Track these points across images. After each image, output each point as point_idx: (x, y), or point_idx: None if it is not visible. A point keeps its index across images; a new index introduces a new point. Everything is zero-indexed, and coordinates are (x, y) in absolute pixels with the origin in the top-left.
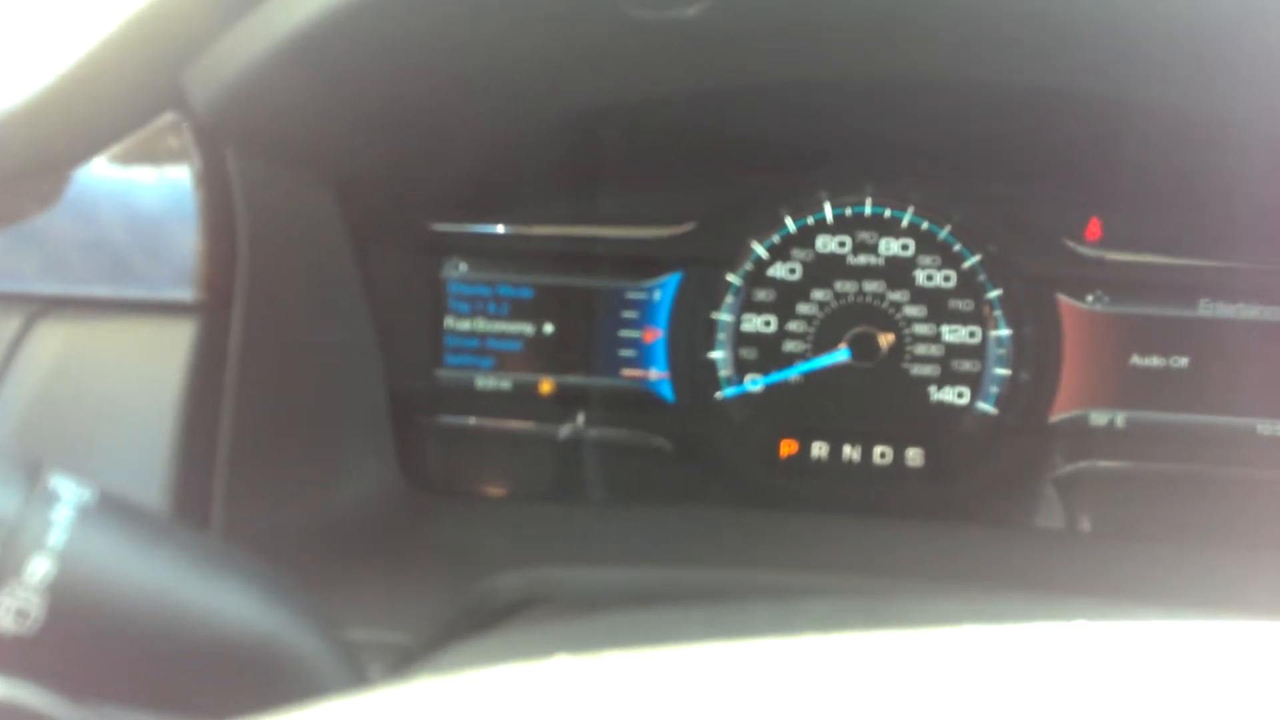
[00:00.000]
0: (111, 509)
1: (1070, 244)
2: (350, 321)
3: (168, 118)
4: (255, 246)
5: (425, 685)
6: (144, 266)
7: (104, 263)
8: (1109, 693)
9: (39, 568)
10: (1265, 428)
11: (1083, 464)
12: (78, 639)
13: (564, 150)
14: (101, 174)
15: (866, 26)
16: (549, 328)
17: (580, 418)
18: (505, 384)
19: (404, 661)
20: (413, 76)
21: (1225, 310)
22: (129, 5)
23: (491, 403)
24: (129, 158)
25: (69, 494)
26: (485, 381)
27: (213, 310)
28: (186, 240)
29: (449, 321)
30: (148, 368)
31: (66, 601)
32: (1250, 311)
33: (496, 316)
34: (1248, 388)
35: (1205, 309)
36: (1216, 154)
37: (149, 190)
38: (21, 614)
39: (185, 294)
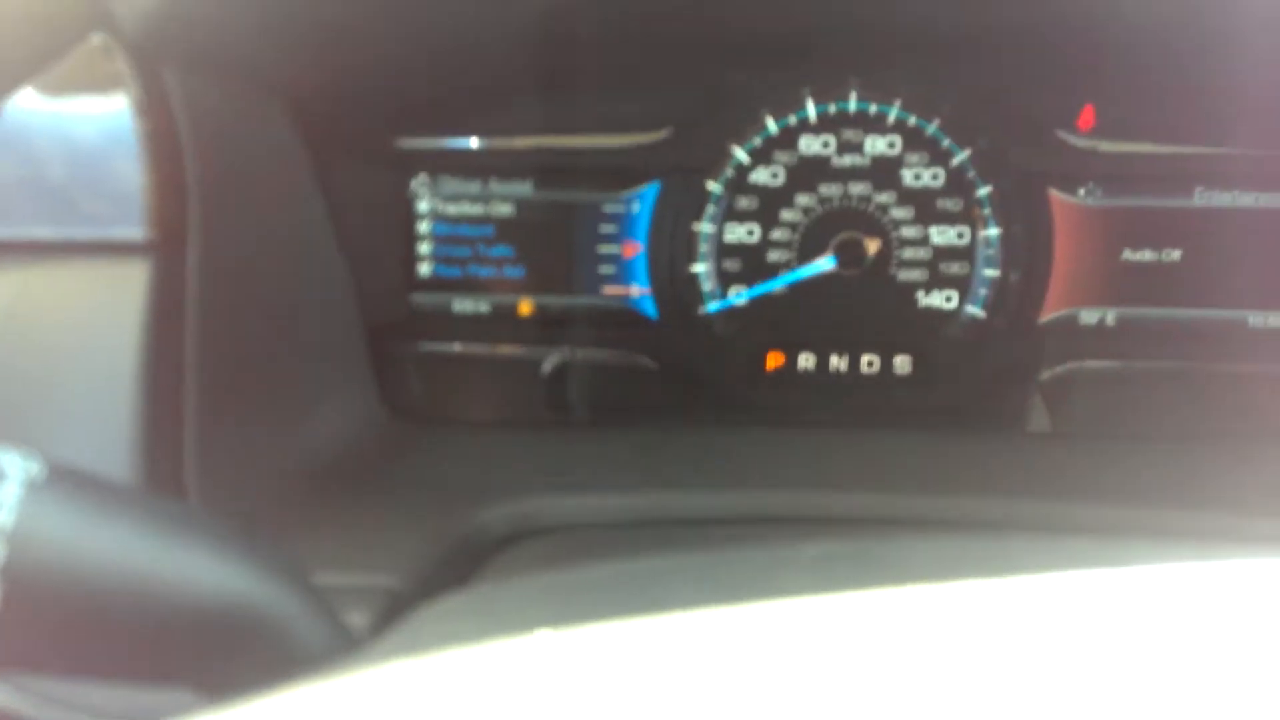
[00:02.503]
0: (63, 482)
1: (1063, 134)
2: (316, 249)
3: (96, 39)
4: (206, 174)
5: (403, 667)
6: (88, 204)
7: (43, 202)
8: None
9: None
10: (1256, 319)
11: (1073, 364)
12: (39, 622)
13: (530, 54)
14: (31, 106)
15: None
16: (525, 246)
17: (564, 350)
18: (483, 307)
19: (390, 606)
20: None
21: (1220, 199)
22: None
23: (471, 327)
24: (59, 87)
25: (14, 469)
26: (463, 305)
27: (166, 247)
28: (131, 173)
29: (421, 244)
30: (101, 315)
31: (21, 585)
32: (1246, 199)
33: (469, 236)
34: (1239, 279)
35: (1200, 198)
36: (1210, 37)
37: (85, 120)
38: None
39: (135, 232)
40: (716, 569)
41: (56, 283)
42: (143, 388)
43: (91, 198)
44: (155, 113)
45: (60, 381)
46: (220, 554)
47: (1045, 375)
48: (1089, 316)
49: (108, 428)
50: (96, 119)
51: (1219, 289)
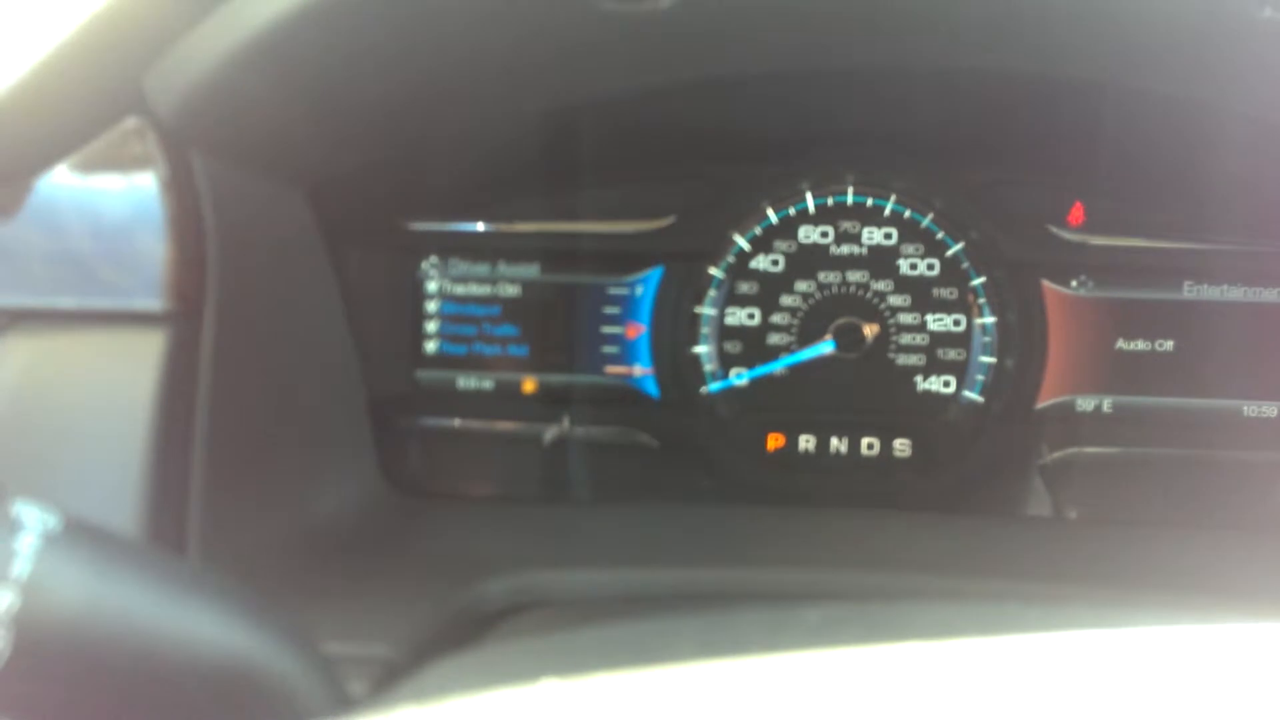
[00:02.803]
0: (78, 535)
1: (1053, 229)
2: (326, 325)
3: (130, 123)
4: (225, 252)
5: (408, 715)
6: (111, 276)
7: (70, 273)
8: (1103, 700)
9: (2, 601)
10: (1251, 409)
11: (1070, 450)
12: (46, 672)
13: (541, 146)
14: (64, 182)
15: (842, 16)
16: (530, 325)
17: (565, 421)
18: (487, 384)
19: (388, 676)
20: (380, 76)
21: (1209, 292)
22: (87, 8)
23: (474, 403)
24: (92, 164)
25: (33, 521)
26: (467, 382)
27: (183, 319)
28: (154, 248)
29: (428, 323)
30: (117, 381)
31: (32, 634)
32: (1234, 293)
33: (476, 316)
34: (1233, 370)
35: (1189, 291)
36: (1197, 137)
37: (114, 197)
38: None
39: (154, 303)
40: (719, 628)
41: (76, 348)
42: (152, 450)
43: (114, 270)
44: (180, 192)
45: (74, 440)
46: (227, 614)
47: (1043, 461)
48: (1085, 404)
49: (116, 486)
50: (124, 195)
51: (1213, 379)
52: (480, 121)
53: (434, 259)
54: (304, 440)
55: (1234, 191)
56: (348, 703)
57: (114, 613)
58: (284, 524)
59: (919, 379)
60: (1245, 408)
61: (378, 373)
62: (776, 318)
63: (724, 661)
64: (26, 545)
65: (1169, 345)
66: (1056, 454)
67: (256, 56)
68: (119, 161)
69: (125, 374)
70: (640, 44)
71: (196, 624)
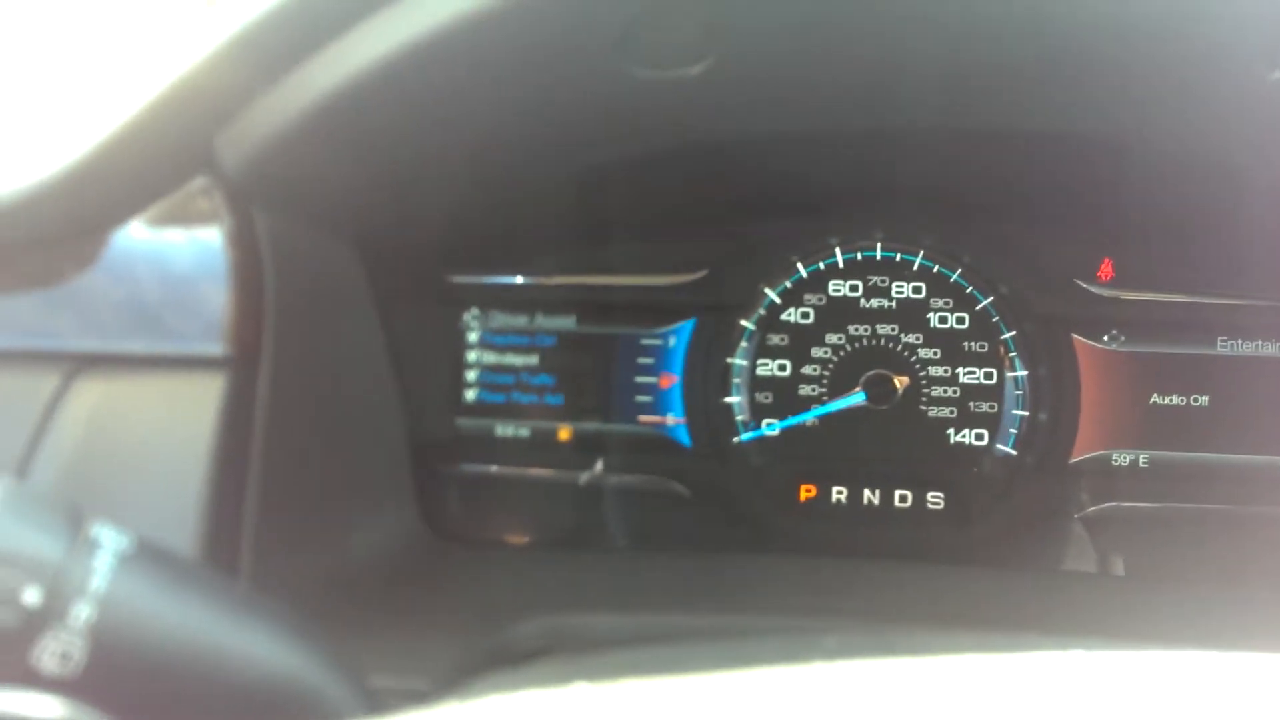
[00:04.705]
0: (149, 556)
1: (1083, 284)
2: (372, 373)
3: (199, 181)
4: (282, 302)
5: (447, 709)
6: (176, 323)
7: (138, 320)
8: None
9: (81, 612)
10: None
11: (1107, 505)
12: (117, 680)
13: (576, 203)
14: (137, 235)
15: (866, 81)
16: (567, 376)
17: (599, 465)
18: (524, 431)
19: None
20: (429, 138)
21: (1244, 348)
22: (164, 75)
23: (511, 450)
24: (163, 219)
25: (109, 541)
26: (504, 430)
27: (241, 364)
28: (216, 297)
29: (469, 372)
30: (179, 420)
31: (107, 644)
32: (1270, 349)
33: (514, 366)
34: (1270, 425)
35: (1224, 347)
36: (1227, 193)
37: (181, 250)
38: (65, 657)
39: (215, 349)
40: (741, 650)
41: (143, 389)
42: (210, 483)
43: (179, 317)
44: (243, 246)
45: (140, 472)
46: (279, 634)
47: (1079, 514)
48: (1121, 458)
49: (177, 516)
50: (190, 248)
51: (1250, 433)
52: (521, 180)
53: (475, 311)
54: (349, 482)
55: (1264, 246)
56: (381, 712)
57: (178, 626)
58: (326, 561)
59: (951, 431)
60: None
61: (420, 420)
62: (807, 369)
63: (741, 672)
64: (103, 563)
65: (1204, 400)
66: (1093, 508)
67: (317, 122)
68: (187, 217)
69: (187, 414)
70: (671, 109)
71: (252, 640)
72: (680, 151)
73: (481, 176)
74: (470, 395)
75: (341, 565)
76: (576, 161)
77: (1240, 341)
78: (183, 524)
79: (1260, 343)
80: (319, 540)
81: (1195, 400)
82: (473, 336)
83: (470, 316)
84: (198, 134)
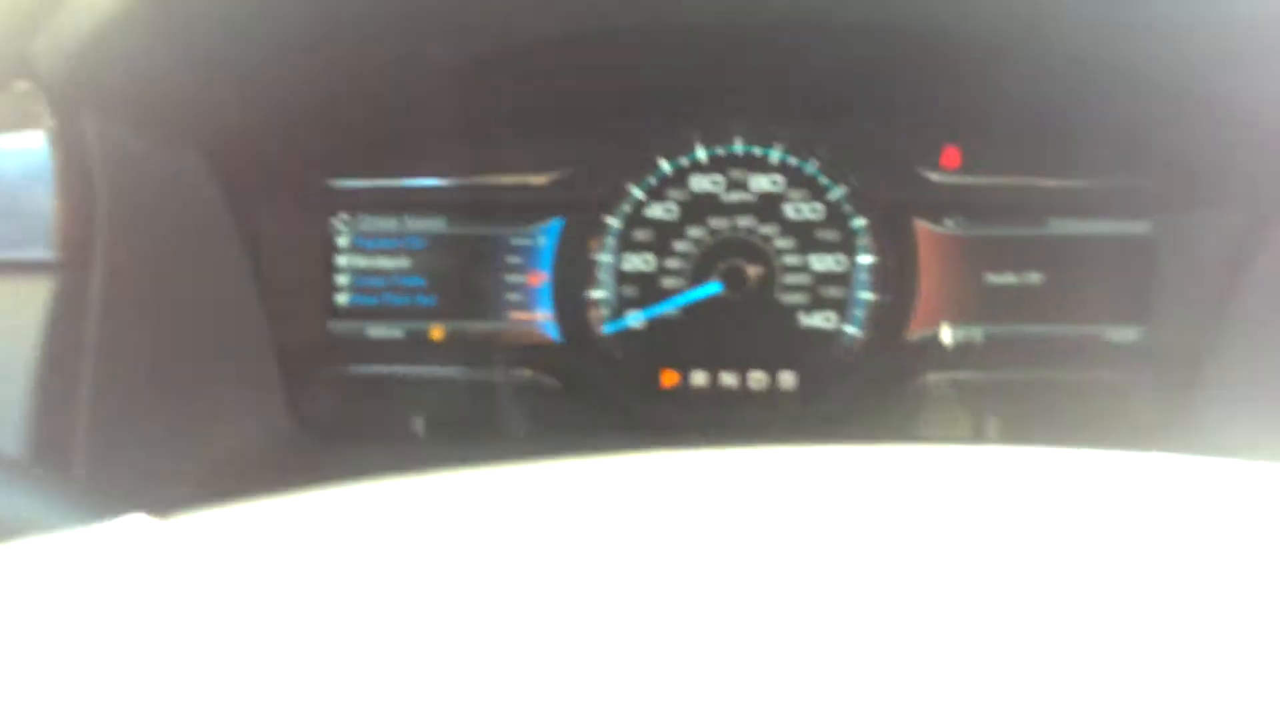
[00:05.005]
0: None
1: (926, 173)
2: (228, 278)
3: (21, 85)
4: (116, 207)
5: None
6: (5, 229)
7: None
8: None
9: None
10: (1113, 334)
11: (944, 376)
12: None
13: (439, 105)
14: None
15: None
16: (437, 277)
17: (474, 369)
18: (398, 332)
19: None
20: (272, 32)
21: (1073, 226)
22: None
23: (385, 351)
24: None
25: None
26: (377, 331)
27: (72, 268)
28: (44, 202)
29: (339, 276)
30: (7, 324)
31: None
32: (1097, 226)
33: (386, 269)
34: (1096, 298)
35: (1054, 226)
36: (1058, 80)
37: (6, 156)
38: None
39: (44, 253)
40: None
41: None
42: (37, 385)
43: (6, 222)
44: (69, 149)
45: None
46: None
47: (919, 387)
48: (958, 333)
49: (4, 410)
50: (16, 154)
51: (1078, 307)
52: (382, 79)
53: (344, 215)
54: (207, 384)
55: (1093, 131)
56: None
57: None
58: (179, 461)
59: (803, 315)
60: (1108, 333)
61: (289, 323)
62: (671, 263)
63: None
64: None
65: (1036, 278)
66: (931, 379)
67: (141, 16)
68: (11, 123)
69: (16, 318)
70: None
71: None
72: (542, 49)
73: (338, 76)
74: (342, 299)
75: (198, 464)
76: (440, 55)
77: (1071, 220)
78: (8, 424)
79: (1089, 221)
80: (174, 439)
81: (1027, 278)
82: (342, 241)
83: (339, 221)
84: (12, 39)
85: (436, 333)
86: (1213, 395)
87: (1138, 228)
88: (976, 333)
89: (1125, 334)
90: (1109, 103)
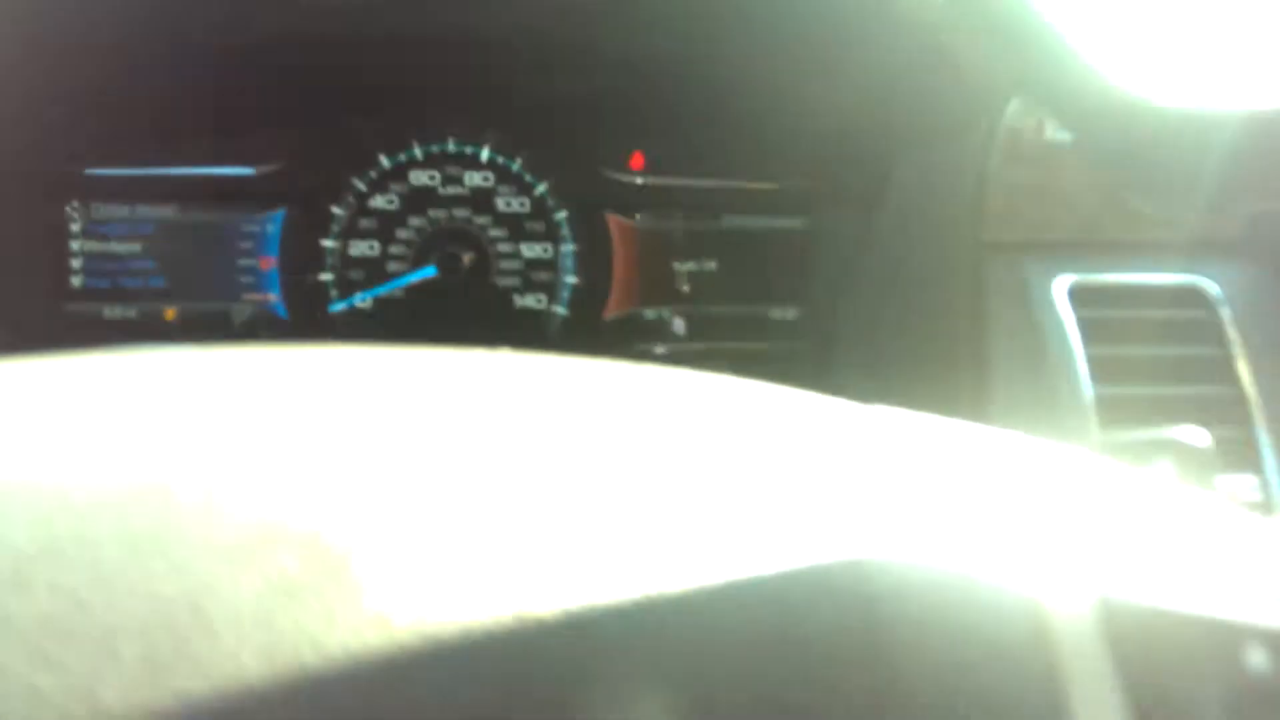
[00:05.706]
0: None
1: (615, 174)
2: None
3: None
4: None
5: None
6: None
7: None
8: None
9: None
10: (776, 313)
11: (638, 350)
12: None
13: (167, 98)
14: None
15: None
16: (170, 261)
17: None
18: (131, 313)
19: None
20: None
21: (742, 221)
22: None
23: (121, 330)
24: None
25: None
26: (112, 311)
27: None
28: None
29: (73, 260)
30: None
31: None
32: (762, 222)
33: (119, 254)
34: (762, 281)
35: (727, 221)
36: (726, 96)
37: None
38: None
39: None
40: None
41: None
42: None
43: None
44: None
45: None
46: None
47: (618, 358)
48: (650, 314)
49: None
50: None
51: (748, 290)
52: (108, 71)
53: (75, 203)
54: None
55: (756, 142)
56: None
57: None
58: None
59: (516, 297)
60: (773, 311)
61: (22, 304)
62: (395, 249)
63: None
64: None
65: (713, 265)
66: (628, 355)
67: None
68: None
69: None
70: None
71: None
72: (270, 41)
73: (58, 66)
74: (76, 282)
75: None
76: (178, 56)
77: (741, 216)
78: None
79: (753, 217)
80: None
81: (706, 265)
82: (75, 227)
83: (71, 209)
84: None
85: (169, 313)
86: (848, 360)
87: (795, 223)
88: (664, 312)
89: (786, 313)
90: (764, 119)
